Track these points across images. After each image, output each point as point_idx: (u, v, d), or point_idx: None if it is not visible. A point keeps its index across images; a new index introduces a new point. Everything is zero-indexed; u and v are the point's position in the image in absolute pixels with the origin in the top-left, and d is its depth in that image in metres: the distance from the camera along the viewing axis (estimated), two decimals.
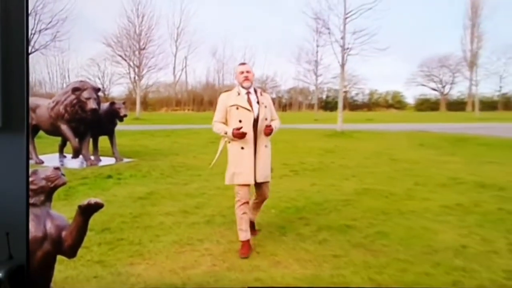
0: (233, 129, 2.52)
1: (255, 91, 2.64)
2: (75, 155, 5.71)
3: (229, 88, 2.74)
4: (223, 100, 2.64)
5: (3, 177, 1.33)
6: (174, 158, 5.33)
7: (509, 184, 3.63)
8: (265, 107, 2.62)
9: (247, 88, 2.61)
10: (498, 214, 3.08)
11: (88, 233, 1.58)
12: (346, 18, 3.09)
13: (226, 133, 2.56)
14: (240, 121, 2.52)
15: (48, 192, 1.42)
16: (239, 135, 2.50)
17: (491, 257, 2.42)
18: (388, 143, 4.94)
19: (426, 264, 2.35)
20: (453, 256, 2.43)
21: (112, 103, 6.09)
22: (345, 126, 4.95)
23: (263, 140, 2.61)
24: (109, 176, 4.83)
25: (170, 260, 2.41)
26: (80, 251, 1.59)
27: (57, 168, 1.45)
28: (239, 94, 2.61)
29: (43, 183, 1.40)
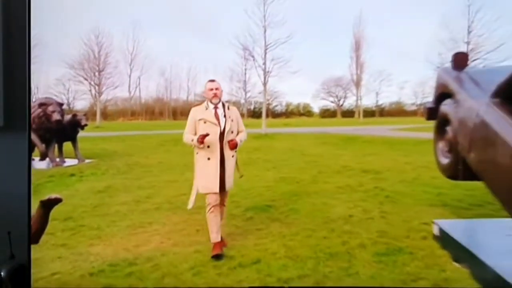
0: (199, 136, 2.31)
1: (223, 105, 2.45)
2: (42, 158, 5.46)
3: (199, 103, 2.51)
4: (193, 114, 2.42)
5: (5, 176, 1.18)
6: (129, 158, 5.17)
7: (383, 169, 4.02)
8: (232, 120, 2.43)
9: (216, 104, 2.42)
10: (374, 191, 3.37)
11: (53, 221, 1.54)
12: (266, 49, 3.32)
13: (192, 140, 2.35)
14: (207, 134, 2.32)
15: None
16: (201, 138, 2.28)
17: (369, 222, 2.70)
18: (300, 142, 5.17)
19: (324, 230, 2.57)
20: (343, 223, 2.67)
21: (75, 115, 5.91)
22: (268, 130, 5.14)
23: (229, 152, 2.41)
24: (72, 174, 4.62)
25: (124, 240, 2.41)
26: (46, 237, 1.55)
27: None
28: (207, 108, 2.40)
29: None
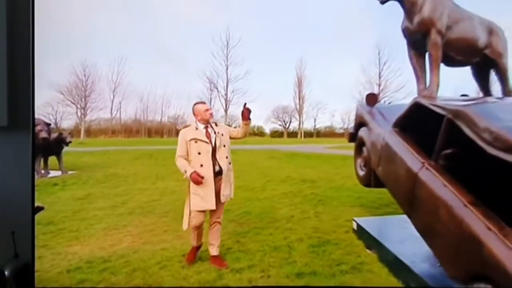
0: (192, 173, 2.02)
1: (210, 125, 2.20)
2: None
3: (186, 125, 2.25)
4: (183, 135, 2.14)
5: (9, 176, 1.00)
6: (108, 170, 4.91)
7: (317, 178, 4.18)
8: (222, 135, 2.18)
9: (207, 123, 2.17)
10: (311, 196, 3.48)
11: (37, 226, 1.44)
12: (228, 82, 3.42)
13: (185, 172, 2.06)
14: (199, 153, 2.09)
15: None
16: (196, 180, 2.02)
17: (305, 221, 2.78)
18: (253, 157, 5.23)
19: (271, 228, 2.62)
20: (286, 222, 2.74)
21: (60, 133, 5.49)
22: (232, 147, 5.14)
23: (225, 161, 2.14)
24: (56, 184, 4.25)
25: (100, 240, 2.29)
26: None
27: None
28: (197, 129, 2.15)
29: None
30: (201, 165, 2.07)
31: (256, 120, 4.40)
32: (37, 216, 1.35)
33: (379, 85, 3.48)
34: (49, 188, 4.33)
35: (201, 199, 2.06)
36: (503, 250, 1.34)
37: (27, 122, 1.03)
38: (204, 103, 2.23)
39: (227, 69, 3.74)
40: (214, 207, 2.09)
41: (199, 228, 2.17)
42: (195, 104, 2.23)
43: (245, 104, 2.20)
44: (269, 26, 2.36)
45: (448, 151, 1.79)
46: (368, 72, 3.34)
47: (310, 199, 3.42)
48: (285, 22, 2.28)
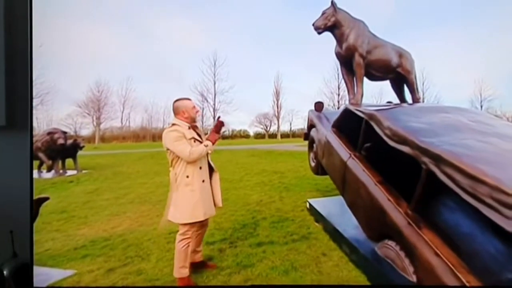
0: (209, 136, 1.62)
1: (195, 125, 1.77)
2: (49, 170, 4.97)
3: (174, 123, 1.68)
4: (179, 134, 1.60)
5: (8, 175, 0.86)
6: (116, 169, 4.94)
7: (286, 170, 4.30)
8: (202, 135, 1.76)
9: (194, 122, 1.71)
10: (278, 184, 3.57)
11: (51, 214, 1.50)
12: (215, 95, 3.56)
13: (206, 146, 1.63)
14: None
15: None
16: (220, 126, 1.63)
17: (272, 204, 2.88)
18: (236, 155, 5.30)
19: (243, 210, 2.71)
20: (255, 205, 2.84)
21: (75, 140, 5.47)
22: (219, 148, 5.20)
23: (211, 165, 1.76)
24: (71, 181, 4.25)
25: (103, 224, 2.37)
26: (44, 225, 1.52)
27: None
28: (189, 128, 1.67)
29: None
30: (200, 168, 1.65)
31: (241, 125, 4.53)
32: (53, 206, 1.41)
33: (339, 95, 3.68)
34: (65, 184, 4.35)
35: (202, 208, 1.63)
36: (398, 216, 1.54)
37: (25, 122, 0.89)
38: (189, 99, 1.72)
39: (214, 84, 3.92)
40: (214, 213, 1.70)
41: (189, 244, 1.67)
42: (179, 100, 1.69)
43: (218, 117, 1.77)
44: (251, 48, 2.55)
45: (367, 144, 1.98)
46: (329, 85, 3.53)
47: (277, 187, 3.51)
48: (264, 44, 2.46)
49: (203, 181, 1.67)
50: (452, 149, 1.25)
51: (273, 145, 5.96)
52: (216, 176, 1.77)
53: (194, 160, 1.61)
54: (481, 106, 2.55)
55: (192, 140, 1.66)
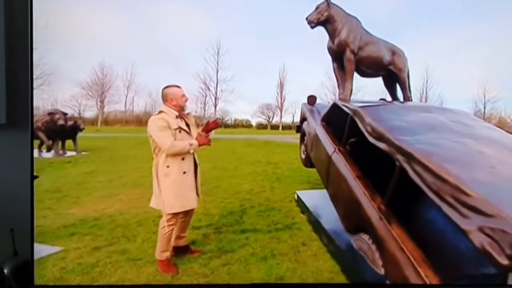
0: (198, 136, 1.59)
1: (184, 113, 1.73)
2: (48, 150, 5.07)
3: (161, 111, 1.67)
4: (164, 123, 1.55)
5: (8, 174, 0.87)
6: (114, 152, 5.02)
7: (280, 162, 4.30)
8: (192, 125, 1.76)
9: (182, 110, 1.65)
10: (271, 175, 3.53)
11: (45, 193, 1.55)
12: (217, 83, 3.57)
13: (191, 145, 1.61)
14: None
15: None
16: (204, 142, 1.63)
17: (262, 193, 2.92)
18: (233, 144, 5.28)
19: (232, 198, 2.76)
20: (246, 194, 2.86)
21: (75, 121, 5.51)
22: (215, 136, 5.21)
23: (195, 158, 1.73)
24: (69, 162, 4.31)
25: (95, 205, 2.43)
26: (36, 203, 1.56)
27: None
28: (176, 117, 1.63)
29: None
30: (183, 159, 1.61)
31: (244, 115, 4.54)
32: (48, 185, 1.45)
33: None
34: (63, 165, 4.45)
35: (182, 199, 1.64)
36: (371, 210, 1.57)
37: (26, 120, 0.92)
38: (179, 87, 1.67)
39: (217, 72, 3.91)
40: (195, 205, 1.73)
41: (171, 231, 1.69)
42: (168, 87, 1.66)
43: (216, 118, 1.73)
44: (256, 39, 2.55)
45: (352, 139, 2.00)
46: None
47: (270, 177, 3.48)
48: (269, 34, 2.45)
49: (184, 172, 1.63)
50: (424, 148, 1.27)
51: (272, 136, 5.97)
52: (197, 170, 1.75)
53: (173, 154, 1.58)
54: (485, 108, 2.51)
55: (178, 130, 1.61)
